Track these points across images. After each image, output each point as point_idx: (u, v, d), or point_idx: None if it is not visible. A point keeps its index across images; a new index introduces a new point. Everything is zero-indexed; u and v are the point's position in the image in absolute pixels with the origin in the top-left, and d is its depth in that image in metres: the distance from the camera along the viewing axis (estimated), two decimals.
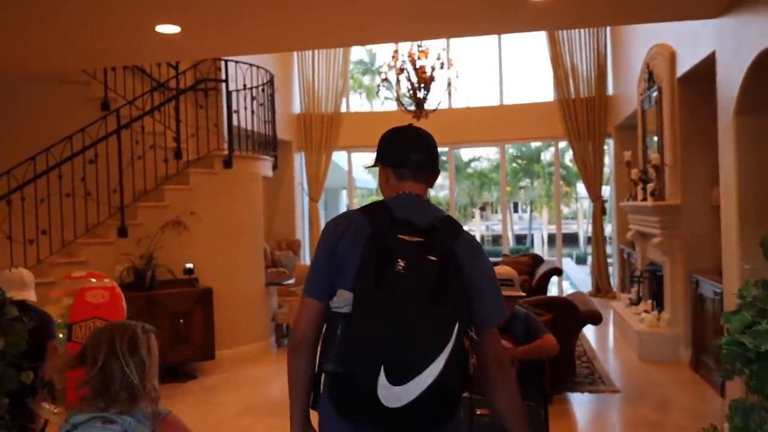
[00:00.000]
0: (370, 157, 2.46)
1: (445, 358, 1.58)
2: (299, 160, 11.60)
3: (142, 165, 6.92)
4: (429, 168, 1.92)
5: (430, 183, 1.95)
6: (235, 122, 7.48)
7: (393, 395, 1.57)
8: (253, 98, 7.82)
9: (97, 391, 1.96)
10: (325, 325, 1.77)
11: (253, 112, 7.88)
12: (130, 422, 1.92)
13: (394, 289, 1.61)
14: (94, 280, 6.00)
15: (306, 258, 11.02)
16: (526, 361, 3.25)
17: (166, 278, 6.64)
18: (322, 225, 12.70)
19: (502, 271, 3.26)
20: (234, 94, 7.52)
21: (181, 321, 6.38)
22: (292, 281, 8.23)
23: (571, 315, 4.90)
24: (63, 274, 6.18)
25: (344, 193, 15.20)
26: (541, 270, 8.03)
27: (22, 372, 3.38)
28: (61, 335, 5.95)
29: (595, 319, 5.13)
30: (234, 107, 7.45)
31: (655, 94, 6.98)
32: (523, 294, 3.36)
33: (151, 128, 7.07)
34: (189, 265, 6.77)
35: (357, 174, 13.12)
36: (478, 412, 2.22)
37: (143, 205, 6.87)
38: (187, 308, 6.43)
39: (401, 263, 1.63)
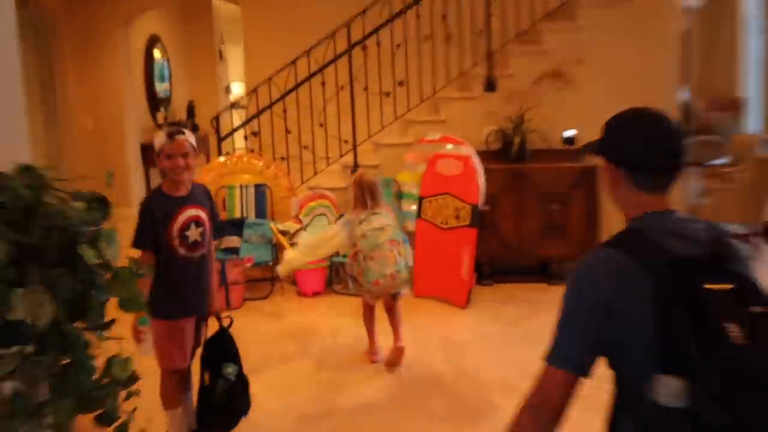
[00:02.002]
0: None
1: None
2: None
3: None
4: (675, 172, 1.40)
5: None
6: None
7: None
8: None
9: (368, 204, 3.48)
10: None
11: None
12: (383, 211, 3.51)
13: (742, 367, 1.16)
14: (449, 146, 4.81)
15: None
16: None
17: (539, 148, 5.10)
18: None
19: None
20: None
21: (556, 206, 4.83)
22: (724, 160, 5.75)
23: None
24: (420, 134, 5.13)
25: None
26: None
27: None
28: (414, 206, 4.99)
29: None
30: None
31: None
32: None
33: None
34: (569, 133, 5.09)
35: None
36: None
37: (516, 51, 5.29)
38: (564, 190, 4.83)
39: (731, 328, 1.17)
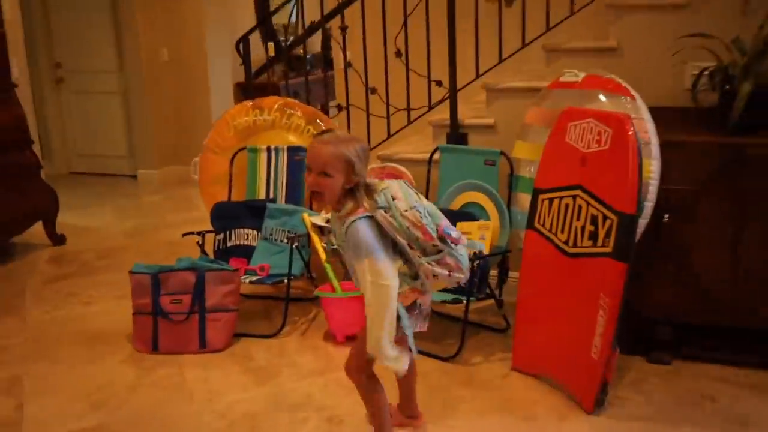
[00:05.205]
0: None
1: None
2: None
3: None
4: None
5: None
6: None
7: None
8: None
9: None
10: None
11: None
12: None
13: None
14: (600, 95, 2.54)
15: None
16: None
17: None
18: None
19: None
20: None
21: None
22: None
23: None
24: (559, 71, 2.85)
25: None
26: None
27: None
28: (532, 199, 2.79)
29: None
30: None
31: None
32: None
33: None
34: None
35: None
36: None
37: None
38: None
39: None
